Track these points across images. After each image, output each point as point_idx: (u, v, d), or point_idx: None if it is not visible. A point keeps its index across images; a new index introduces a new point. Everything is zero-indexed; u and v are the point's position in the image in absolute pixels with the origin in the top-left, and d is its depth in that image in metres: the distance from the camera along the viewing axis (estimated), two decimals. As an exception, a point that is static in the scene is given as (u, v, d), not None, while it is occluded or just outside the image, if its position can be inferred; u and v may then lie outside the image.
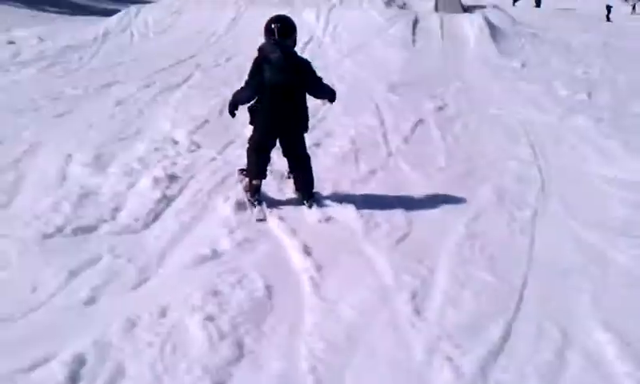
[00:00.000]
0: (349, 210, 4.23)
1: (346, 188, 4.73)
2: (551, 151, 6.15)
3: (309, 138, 4.56)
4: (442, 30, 13.49)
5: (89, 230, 3.84)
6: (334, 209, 4.27)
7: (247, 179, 4.31)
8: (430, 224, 4.19)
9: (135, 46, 12.29)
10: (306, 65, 4.04)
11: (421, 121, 7.01)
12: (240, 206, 4.22)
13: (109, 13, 16.52)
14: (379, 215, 4.22)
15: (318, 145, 5.73)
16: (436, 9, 15.55)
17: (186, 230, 3.89)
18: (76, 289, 3.11)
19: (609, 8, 31.17)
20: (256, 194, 4.25)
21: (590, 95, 9.07)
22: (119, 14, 14.57)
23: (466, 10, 15.69)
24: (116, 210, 4.14)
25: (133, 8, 15.10)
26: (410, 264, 3.56)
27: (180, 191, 4.52)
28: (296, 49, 4.08)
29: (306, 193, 4.29)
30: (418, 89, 8.85)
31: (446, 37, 13.11)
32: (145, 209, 4.15)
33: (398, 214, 4.29)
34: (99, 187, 4.52)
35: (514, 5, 37.06)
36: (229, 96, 4.23)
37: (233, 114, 4.14)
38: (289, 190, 4.51)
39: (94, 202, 4.26)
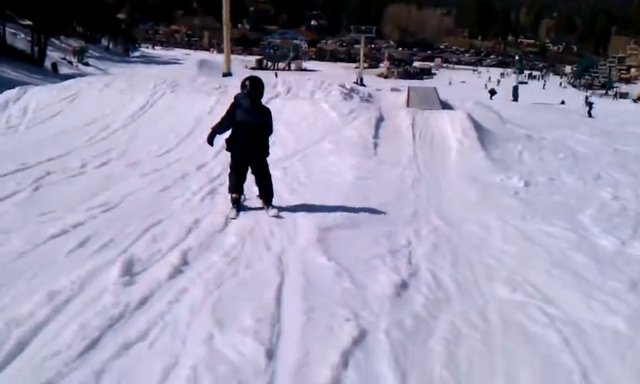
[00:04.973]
0: None
1: None
2: None
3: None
4: (414, 130, 10.21)
5: None
6: None
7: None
8: None
9: (-16, 143, 8.72)
10: (267, 111, 5.68)
11: (361, 334, 3.37)
12: None
13: None
14: None
15: None
16: (408, 103, 12.41)
17: None
18: None
19: (590, 104, 30.35)
20: (235, 205, 5.70)
21: (648, 246, 5.63)
22: (-2, 95, 11.10)
23: (446, 105, 12.61)
24: None
25: (19, 89, 11.68)
26: None
27: None
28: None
29: (267, 199, 5.76)
30: (367, 234, 5.27)
31: (418, 141, 9.79)
32: None
33: None
34: None
35: (491, 98, 35.49)
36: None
37: (211, 143, 5.62)
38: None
39: None
